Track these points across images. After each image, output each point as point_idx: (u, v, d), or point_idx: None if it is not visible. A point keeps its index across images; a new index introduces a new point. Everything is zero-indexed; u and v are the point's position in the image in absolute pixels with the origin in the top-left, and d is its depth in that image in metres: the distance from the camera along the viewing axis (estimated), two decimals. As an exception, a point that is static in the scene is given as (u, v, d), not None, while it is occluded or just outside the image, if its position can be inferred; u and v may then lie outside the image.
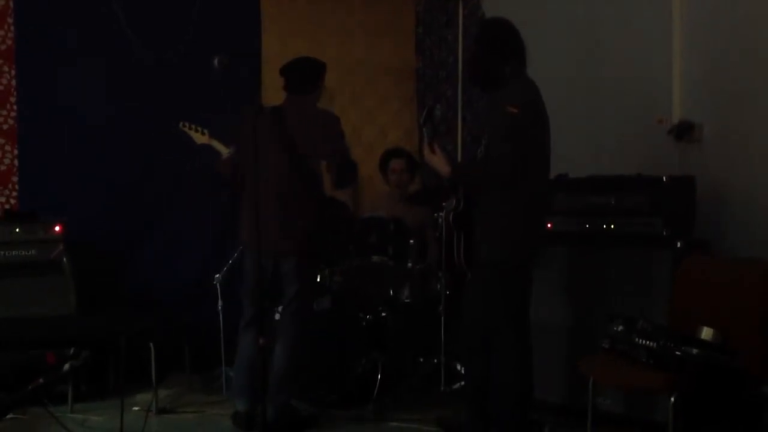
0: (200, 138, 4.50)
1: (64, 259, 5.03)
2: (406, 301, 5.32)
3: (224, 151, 4.41)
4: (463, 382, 4.60)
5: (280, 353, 4.35)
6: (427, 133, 3.86)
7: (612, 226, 4.26)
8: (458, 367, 4.96)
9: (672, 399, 3.35)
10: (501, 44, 3.85)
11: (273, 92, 5.00)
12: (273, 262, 4.34)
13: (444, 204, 4.22)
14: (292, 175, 4.25)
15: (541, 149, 3.84)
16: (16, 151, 5.46)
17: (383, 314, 5.03)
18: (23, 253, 4.99)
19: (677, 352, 3.31)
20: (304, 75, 4.41)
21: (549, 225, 4.22)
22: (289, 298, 4.38)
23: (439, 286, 5.13)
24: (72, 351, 4.40)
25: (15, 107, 5.46)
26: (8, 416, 4.11)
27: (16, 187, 5.47)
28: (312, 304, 4.58)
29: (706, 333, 3.44)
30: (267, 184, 4.01)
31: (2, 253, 4.95)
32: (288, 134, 4.25)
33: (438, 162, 3.86)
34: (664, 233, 4.09)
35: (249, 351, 4.36)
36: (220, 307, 4.98)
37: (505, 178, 3.72)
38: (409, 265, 5.13)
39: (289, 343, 4.36)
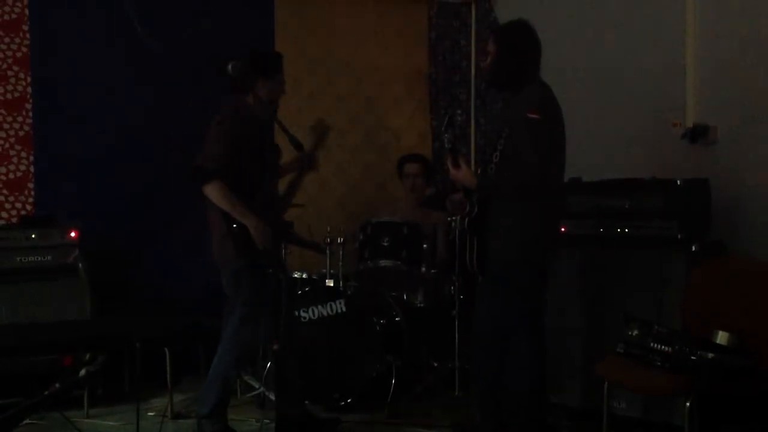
0: None
1: (80, 265, 5.05)
2: (419, 305, 5.33)
3: None
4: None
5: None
6: (448, 140, 3.87)
7: (627, 230, 4.25)
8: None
9: (688, 403, 3.34)
10: (524, 46, 3.86)
11: (287, 96, 4.98)
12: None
13: (449, 203, 4.09)
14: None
15: (558, 152, 3.84)
16: (32, 158, 5.48)
17: (397, 318, 5.03)
18: (39, 258, 5.01)
19: (693, 357, 3.30)
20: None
21: (563, 228, 4.21)
22: (231, 305, 4.25)
23: (452, 290, 5.13)
24: (88, 356, 4.42)
25: (30, 114, 5.49)
26: (25, 421, 4.12)
27: (32, 193, 5.48)
28: (253, 312, 4.22)
29: (722, 337, 3.43)
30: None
31: (19, 258, 4.98)
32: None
33: (464, 177, 3.86)
34: (679, 236, 4.08)
35: None
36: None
37: (534, 189, 3.73)
38: (423, 269, 5.13)
39: (221, 349, 4.23)
